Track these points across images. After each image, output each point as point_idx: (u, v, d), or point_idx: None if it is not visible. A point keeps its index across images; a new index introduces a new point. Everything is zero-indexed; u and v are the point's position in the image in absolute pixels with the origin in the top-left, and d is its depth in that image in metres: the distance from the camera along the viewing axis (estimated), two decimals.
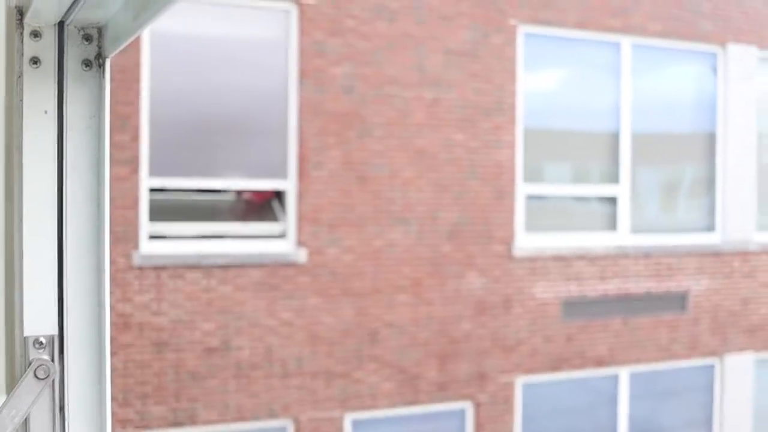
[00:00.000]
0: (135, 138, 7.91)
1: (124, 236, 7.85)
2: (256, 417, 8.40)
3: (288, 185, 8.60)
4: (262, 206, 9.00)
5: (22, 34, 1.13)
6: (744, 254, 10.97)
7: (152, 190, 8.23)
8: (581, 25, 9.92)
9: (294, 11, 8.59)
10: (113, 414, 7.21)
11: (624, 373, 10.27)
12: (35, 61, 1.13)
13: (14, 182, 1.16)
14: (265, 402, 8.42)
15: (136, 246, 7.94)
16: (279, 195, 8.94)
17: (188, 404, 8.13)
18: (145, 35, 7.98)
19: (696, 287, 10.63)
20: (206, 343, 8.19)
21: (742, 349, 10.96)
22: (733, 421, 10.93)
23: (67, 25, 1.13)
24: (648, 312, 10.35)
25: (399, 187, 8.94)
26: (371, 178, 8.82)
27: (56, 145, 1.14)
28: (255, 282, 8.35)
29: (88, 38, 1.14)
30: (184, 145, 8.25)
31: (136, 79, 7.92)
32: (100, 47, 1.14)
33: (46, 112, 1.14)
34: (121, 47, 1.14)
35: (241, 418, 8.35)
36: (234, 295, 8.27)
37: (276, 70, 8.58)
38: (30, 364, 1.14)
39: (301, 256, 8.52)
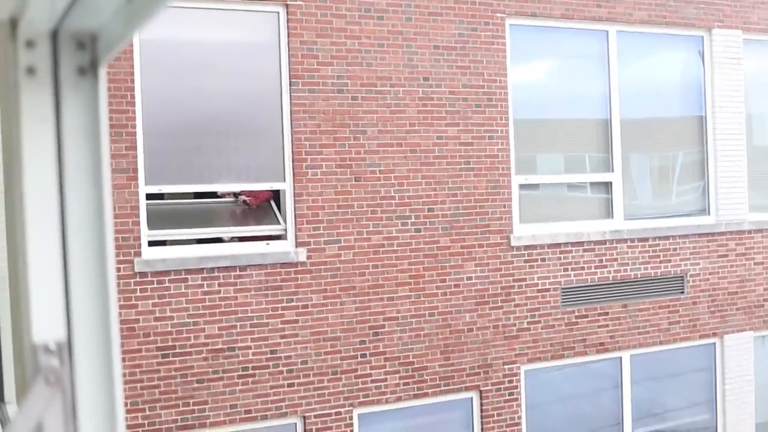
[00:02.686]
0: (131, 146, 7.98)
1: (125, 243, 7.92)
2: (264, 417, 8.47)
3: (284, 186, 8.67)
4: (259, 208, 9.07)
5: (15, 44, 1.12)
6: (739, 234, 11.04)
7: (150, 197, 8.30)
8: (567, 15, 9.99)
9: (282, 13, 8.66)
10: None
11: (626, 357, 10.35)
12: (30, 70, 1.12)
13: (15, 191, 1.15)
14: (272, 401, 8.50)
15: (137, 253, 8.02)
16: (276, 196, 9.02)
17: (196, 407, 8.20)
18: (136, 43, 8.04)
19: (693, 269, 10.71)
20: (211, 345, 8.26)
21: (740, 328, 11.04)
22: (736, 399, 11.01)
23: (60, 33, 1.12)
24: (647, 295, 10.42)
25: (394, 183, 9.02)
26: (366, 175, 8.89)
27: (56, 152, 1.13)
28: (256, 283, 8.42)
29: (81, 46, 1.13)
30: (180, 150, 8.32)
31: (129, 88, 7.98)
32: (93, 54, 1.13)
33: (43, 120, 1.13)
34: (115, 53, 1.13)
35: (250, 419, 8.42)
36: (236, 296, 8.34)
37: (267, 72, 8.64)
38: (40, 370, 1.13)
39: (301, 255, 8.60)
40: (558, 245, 9.86)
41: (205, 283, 8.23)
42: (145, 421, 8.03)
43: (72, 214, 1.16)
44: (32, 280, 1.14)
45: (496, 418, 9.53)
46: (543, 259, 9.77)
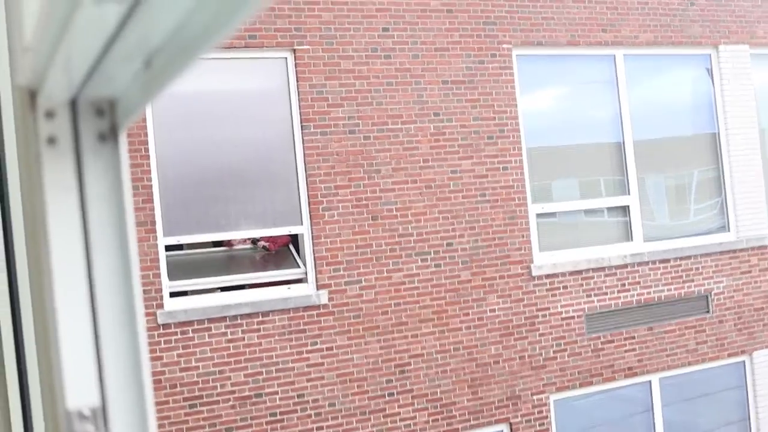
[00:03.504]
0: (148, 199, 8.02)
1: (147, 296, 7.93)
2: None
3: (302, 229, 8.68)
4: (279, 253, 9.08)
5: (35, 115, 1.13)
6: (761, 250, 10.97)
7: (169, 248, 8.33)
8: (573, 42, 10.02)
9: (290, 58, 8.73)
10: None
11: (655, 380, 10.26)
12: (52, 140, 1.12)
13: (43, 259, 1.15)
14: None
15: (159, 305, 8.03)
16: (295, 240, 9.03)
17: None
18: None
19: (717, 288, 10.64)
20: (238, 392, 8.25)
21: None
22: None
23: (79, 101, 1.13)
24: (672, 317, 10.35)
25: (412, 220, 9.02)
26: (383, 214, 8.90)
27: (80, 219, 1.13)
28: (280, 328, 8.41)
29: (100, 113, 1.13)
30: (196, 200, 8.36)
31: (143, 141, 8.04)
32: (113, 120, 1.13)
33: (67, 188, 1.13)
34: (135, 118, 1.13)
35: None
36: (260, 342, 8.33)
37: (279, 118, 8.69)
38: None
39: (323, 297, 8.59)
40: (579, 272, 9.82)
41: (228, 330, 8.23)
42: None
43: (100, 279, 1.15)
44: (63, 346, 1.13)
45: None
46: (565, 287, 9.73)
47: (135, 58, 0.98)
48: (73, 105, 1.15)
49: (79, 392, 1.14)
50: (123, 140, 1.16)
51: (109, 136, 1.15)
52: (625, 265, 10.08)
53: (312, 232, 8.65)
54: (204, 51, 0.88)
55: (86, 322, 1.15)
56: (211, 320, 8.19)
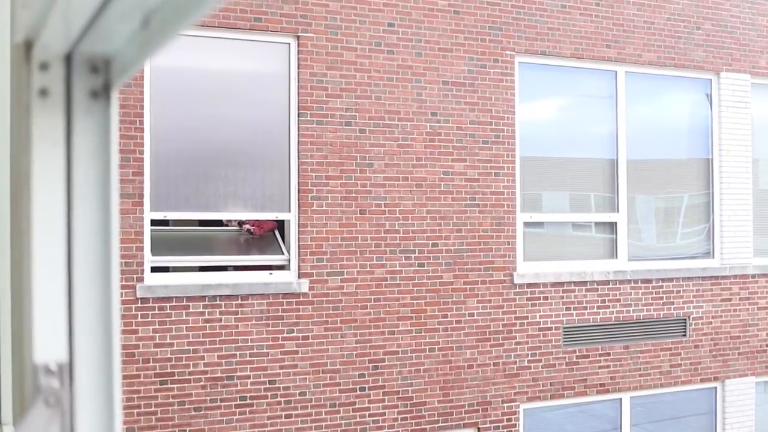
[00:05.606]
0: (138, 172, 8.00)
1: (128, 269, 7.92)
2: None
3: (290, 216, 8.68)
4: (263, 237, 9.07)
5: (29, 66, 1.12)
6: (743, 278, 11.01)
7: (154, 223, 8.31)
8: (577, 55, 10.04)
9: (293, 44, 8.71)
10: None
11: (626, 399, 10.29)
12: (43, 92, 1.12)
13: (23, 210, 1.14)
14: (269, 431, 8.46)
15: (139, 278, 8.01)
16: (281, 226, 9.02)
17: None
18: (147, 70, 8.09)
19: (696, 312, 10.67)
20: (210, 373, 8.23)
21: (742, 373, 10.98)
22: None
23: (74, 56, 1.12)
24: (649, 337, 10.38)
25: (399, 217, 9.02)
26: (372, 208, 8.90)
27: (65, 174, 1.13)
28: (258, 312, 8.41)
29: (94, 69, 1.12)
30: (186, 177, 8.34)
31: (139, 114, 8.02)
32: (106, 78, 1.13)
33: (54, 142, 1.12)
34: (128, 77, 1.13)
35: None
36: (237, 325, 8.32)
37: (276, 103, 8.68)
38: (40, 391, 1.11)
39: (303, 286, 8.59)
40: (561, 284, 9.84)
41: (206, 310, 8.22)
42: None
43: (79, 236, 1.15)
44: (36, 300, 1.13)
45: None
46: (546, 298, 9.75)
47: (133, 17, 0.98)
48: (68, 59, 1.14)
49: (47, 347, 1.13)
50: (115, 99, 1.16)
51: (102, 93, 1.15)
52: (607, 282, 10.11)
53: (299, 220, 8.64)
54: (201, 14, 0.88)
55: (61, 278, 1.14)
56: (190, 299, 8.17)
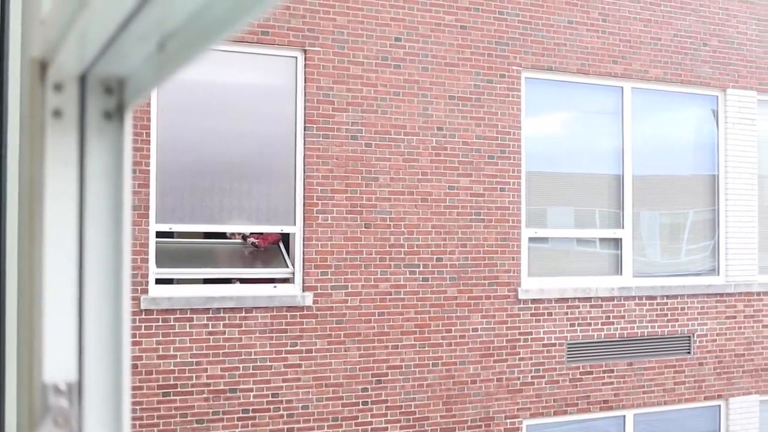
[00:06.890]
0: (144, 184, 8.01)
1: (132, 280, 7.91)
2: None
3: (294, 229, 8.68)
4: (268, 250, 9.07)
5: (44, 86, 1.12)
6: (747, 296, 10.99)
7: (159, 235, 8.31)
8: (583, 70, 10.05)
9: (300, 58, 8.73)
10: None
11: (630, 416, 10.25)
12: (57, 113, 1.12)
13: (35, 230, 1.14)
14: None
15: (143, 290, 8.01)
16: (285, 239, 9.02)
17: None
18: None
19: (700, 330, 10.65)
20: (213, 385, 8.22)
21: (747, 391, 10.94)
22: None
23: (89, 77, 1.12)
24: (653, 354, 10.35)
25: (404, 231, 9.02)
26: (377, 222, 8.90)
27: (78, 194, 1.13)
28: (261, 325, 8.40)
29: (108, 90, 1.12)
30: (192, 190, 8.34)
31: (145, 126, 8.03)
32: (120, 99, 1.13)
33: (67, 162, 1.12)
34: (142, 98, 1.13)
35: None
36: (240, 338, 8.32)
37: (283, 116, 8.69)
38: (49, 411, 1.10)
39: (308, 299, 8.58)
40: (565, 300, 9.82)
41: (210, 323, 8.22)
42: None
43: (90, 257, 1.15)
44: (47, 320, 1.13)
45: None
46: (550, 314, 9.73)
47: (150, 39, 0.97)
48: (83, 80, 1.14)
49: (57, 366, 1.13)
50: (128, 120, 1.16)
51: (115, 114, 1.15)
52: (612, 298, 10.09)
53: (304, 233, 8.64)
54: (218, 40, 0.88)
55: (72, 297, 1.14)
56: (193, 311, 8.17)
